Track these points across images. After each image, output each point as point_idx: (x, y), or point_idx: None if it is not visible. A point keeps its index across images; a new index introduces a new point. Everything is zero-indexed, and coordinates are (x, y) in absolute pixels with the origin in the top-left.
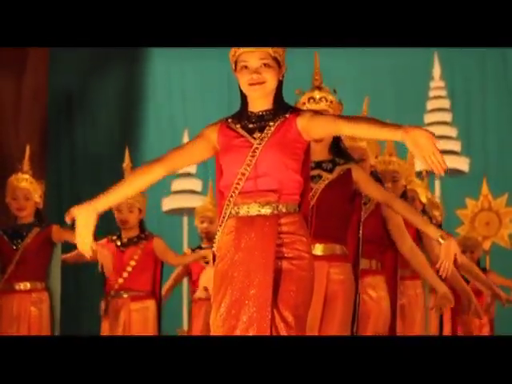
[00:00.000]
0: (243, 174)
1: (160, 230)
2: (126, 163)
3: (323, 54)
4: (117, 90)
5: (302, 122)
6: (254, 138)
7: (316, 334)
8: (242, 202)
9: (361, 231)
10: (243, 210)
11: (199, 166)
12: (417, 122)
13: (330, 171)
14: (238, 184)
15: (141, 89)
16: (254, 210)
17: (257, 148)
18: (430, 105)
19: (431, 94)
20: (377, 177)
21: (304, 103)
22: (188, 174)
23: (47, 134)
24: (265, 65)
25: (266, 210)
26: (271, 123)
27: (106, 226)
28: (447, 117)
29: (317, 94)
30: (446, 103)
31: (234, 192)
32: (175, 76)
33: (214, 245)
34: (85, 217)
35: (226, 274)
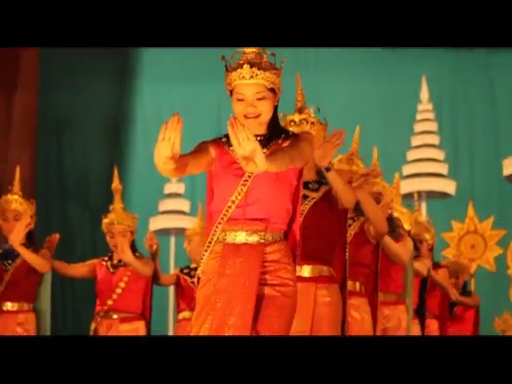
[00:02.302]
0: (233, 202)
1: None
2: (115, 184)
3: (311, 79)
4: (106, 112)
5: None
6: None
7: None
8: (230, 229)
9: (347, 252)
10: (230, 237)
11: (187, 186)
12: (404, 144)
13: (316, 191)
14: (227, 211)
15: (129, 112)
16: (241, 237)
17: (249, 177)
18: (418, 127)
19: (419, 116)
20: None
21: (286, 126)
22: (176, 195)
23: (36, 157)
24: (260, 98)
25: (253, 239)
26: (264, 150)
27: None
28: (435, 139)
29: (296, 117)
30: (433, 126)
31: (222, 219)
32: (164, 99)
33: (198, 268)
34: None
35: (209, 299)
